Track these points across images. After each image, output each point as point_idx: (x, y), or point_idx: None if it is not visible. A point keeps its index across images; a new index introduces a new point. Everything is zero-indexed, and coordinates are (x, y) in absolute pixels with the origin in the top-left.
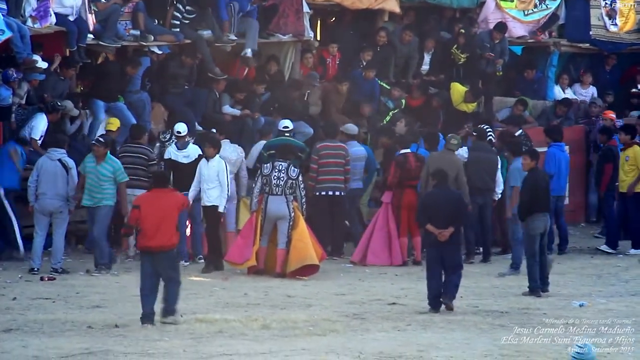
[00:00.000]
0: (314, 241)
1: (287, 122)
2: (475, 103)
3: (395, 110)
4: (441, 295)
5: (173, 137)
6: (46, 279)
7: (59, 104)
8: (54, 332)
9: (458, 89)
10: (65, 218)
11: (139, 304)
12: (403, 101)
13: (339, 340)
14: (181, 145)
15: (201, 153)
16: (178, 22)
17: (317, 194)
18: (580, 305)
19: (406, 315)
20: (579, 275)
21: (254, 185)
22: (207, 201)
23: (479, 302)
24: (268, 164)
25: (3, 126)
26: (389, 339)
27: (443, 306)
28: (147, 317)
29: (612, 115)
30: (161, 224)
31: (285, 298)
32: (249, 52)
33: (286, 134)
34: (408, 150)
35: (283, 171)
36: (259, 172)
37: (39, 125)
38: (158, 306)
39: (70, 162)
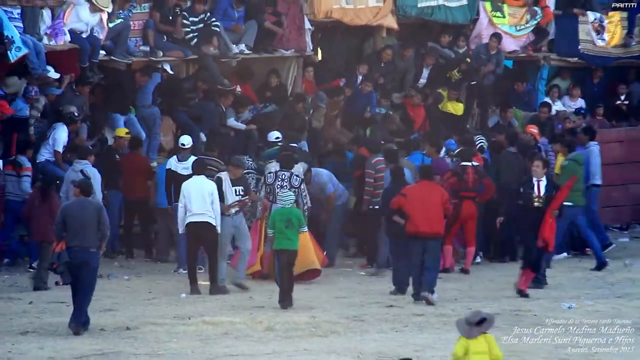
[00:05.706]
0: (316, 246)
1: (277, 133)
2: (462, 104)
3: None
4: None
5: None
6: (61, 283)
7: (76, 114)
8: (68, 334)
9: (441, 92)
10: None
11: (149, 307)
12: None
13: (340, 341)
14: (182, 157)
15: None
16: (189, 30)
17: (376, 207)
18: (569, 307)
19: (403, 317)
20: (568, 279)
21: (258, 194)
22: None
23: (472, 305)
24: (271, 174)
25: (17, 138)
26: (387, 340)
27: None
28: (415, 296)
29: (534, 130)
30: (429, 212)
31: None
32: (243, 47)
33: (279, 144)
34: (469, 164)
35: (286, 180)
36: (262, 180)
37: (61, 137)
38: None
39: (92, 172)
